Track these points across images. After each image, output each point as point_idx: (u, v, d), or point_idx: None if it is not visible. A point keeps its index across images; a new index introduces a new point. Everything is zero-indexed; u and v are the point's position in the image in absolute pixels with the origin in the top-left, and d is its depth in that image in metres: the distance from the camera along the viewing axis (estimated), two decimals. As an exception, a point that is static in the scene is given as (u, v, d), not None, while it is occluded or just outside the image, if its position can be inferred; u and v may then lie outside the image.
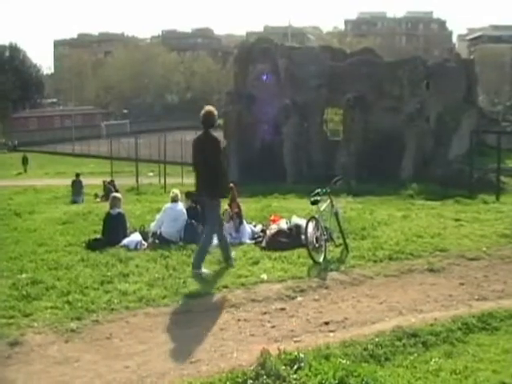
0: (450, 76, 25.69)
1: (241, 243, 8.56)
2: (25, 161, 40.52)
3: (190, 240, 8.29)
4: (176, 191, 8.98)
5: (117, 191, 16.41)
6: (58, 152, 53.69)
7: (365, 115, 24.20)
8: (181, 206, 8.75)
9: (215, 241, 8.49)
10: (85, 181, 22.61)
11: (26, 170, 39.92)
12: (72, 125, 64.52)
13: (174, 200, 8.77)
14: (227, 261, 7.19)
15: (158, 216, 8.94)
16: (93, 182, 25.37)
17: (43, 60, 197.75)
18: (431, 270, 7.05)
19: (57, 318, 5.45)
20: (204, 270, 6.91)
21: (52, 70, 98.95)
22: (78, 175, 21.98)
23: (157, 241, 8.45)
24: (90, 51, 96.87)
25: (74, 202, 19.76)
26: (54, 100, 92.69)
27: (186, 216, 8.65)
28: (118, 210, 8.69)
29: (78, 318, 5.45)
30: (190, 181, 25.50)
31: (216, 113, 7.14)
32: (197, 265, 6.91)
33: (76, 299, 5.88)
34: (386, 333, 5.06)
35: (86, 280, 6.53)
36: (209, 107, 7.14)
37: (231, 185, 9.79)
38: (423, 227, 9.30)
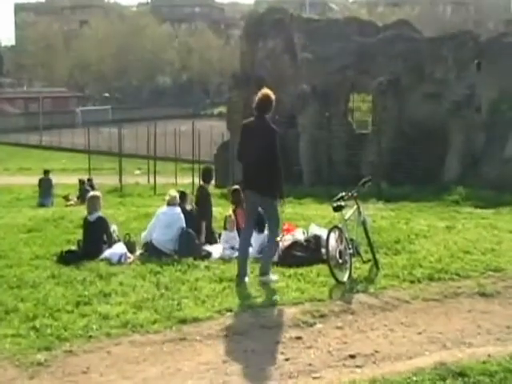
0: (508, 54, 25.53)
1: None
2: None
3: (185, 252, 8.35)
4: (174, 193, 9.08)
5: (95, 192, 16.50)
6: (22, 143, 54.03)
7: (399, 103, 24.14)
8: (178, 211, 8.83)
9: (215, 254, 8.59)
10: (55, 179, 22.70)
11: None
12: (39, 110, 64.81)
13: (171, 203, 8.84)
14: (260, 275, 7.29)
15: (149, 224, 9.02)
16: (65, 181, 25.53)
17: (1, 29, 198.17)
18: (483, 295, 7.04)
19: (19, 348, 5.45)
20: (273, 276, 7.13)
21: (13, 42, 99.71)
22: (46, 172, 22.07)
23: (146, 252, 8.51)
24: (62, 19, 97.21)
25: (41, 204, 19.85)
26: (16, 79, 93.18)
27: (183, 223, 8.72)
28: (97, 215, 8.74)
29: (47, 349, 5.46)
30: (184, 180, 25.84)
31: (274, 98, 7.35)
32: (264, 270, 7.17)
33: (44, 325, 5.90)
34: (425, 370, 5.04)
35: (57, 301, 6.55)
36: (266, 90, 7.38)
37: (236, 187, 9.90)
38: (472, 241, 9.30)
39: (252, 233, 7.67)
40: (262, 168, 7.07)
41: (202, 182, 10.37)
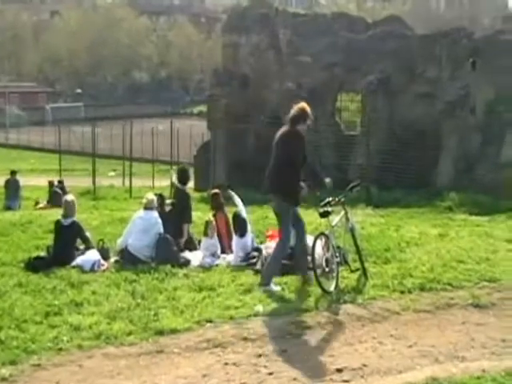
0: (505, 53, 25.76)
1: (229, 265, 8.61)
2: None
3: (162, 259, 8.35)
4: (151, 196, 9.10)
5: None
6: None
7: (390, 103, 24.28)
8: (155, 216, 8.84)
9: (195, 261, 8.60)
10: (23, 180, 22.55)
11: None
12: (6, 106, 64.28)
13: (148, 207, 8.84)
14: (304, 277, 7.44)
15: (125, 229, 9.02)
16: (34, 183, 25.38)
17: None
18: (477, 306, 7.09)
19: (-18, 362, 5.42)
20: (275, 286, 7.17)
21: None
22: (13, 173, 21.93)
23: (121, 259, 8.50)
24: (31, 9, 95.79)
25: (7, 207, 19.74)
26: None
27: (160, 228, 8.73)
28: (71, 219, 8.71)
29: (13, 362, 5.42)
30: (162, 183, 25.78)
31: (309, 111, 7.67)
32: (266, 279, 7.25)
33: (10, 337, 5.87)
34: (417, 386, 5.08)
35: (24, 311, 6.52)
36: (303, 104, 7.71)
37: (216, 191, 9.97)
38: (466, 250, 9.36)
39: (289, 233, 7.69)
40: (280, 172, 7.40)
41: (178, 184, 10.37)
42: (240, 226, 8.88)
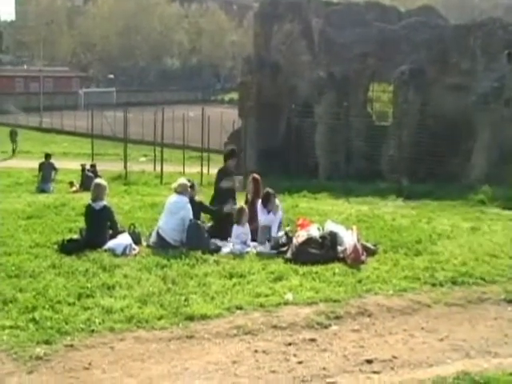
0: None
1: (259, 253, 8.60)
2: (13, 136, 38.89)
3: (193, 245, 8.36)
4: (182, 180, 9.13)
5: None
6: (21, 125, 54.13)
7: (422, 94, 23.99)
8: (184, 200, 8.86)
9: (225, 248, 8.61)
10: (56, 164, 22.76)
11: (14, 150, 38.32)
12: (40, 90, 64.94)
13: (178, 191, 8.88)
14: None
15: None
16: (66, 166, 25.57)
17: (0, 3, 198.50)
18: (510, 301, 7.02)
19: (18, 340, 5.47)
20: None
21: (13, 17, 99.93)
22: (47, 156, 22.03)
23: (151, 243, 8.53)
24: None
25: (41, 190, 19.88)
26: (16, 57, 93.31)
27: (188, 213, 8.74)
28: (102, 203, 8.75)
29: (47, 342, 5.47)
30: (192, 169, 25.86)
31: None
32: None
33: (44, 317, 5.92)
34: (447, 380, 5.02)
35: (57, 292, 6.58)
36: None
37: (255, 175, 9.89)
38: (499, 244, 9.28)
39: None
40: None
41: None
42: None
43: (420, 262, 8.14)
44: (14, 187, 21.24)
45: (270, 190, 9.39)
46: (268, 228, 9.10)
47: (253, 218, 9.24)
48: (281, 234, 9.04)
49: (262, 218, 9.23)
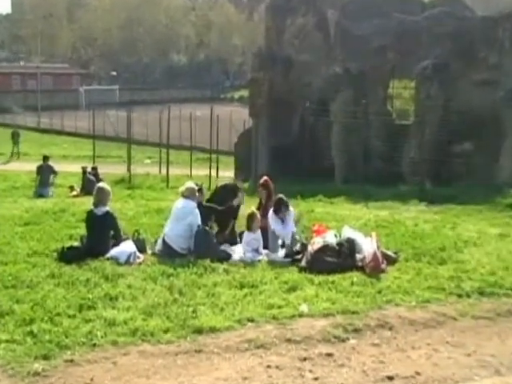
0: None
1: (272, 261, 8.60)
2: (15, 137, 38.75)
3: (201, 252, 8.37)
4: (190, 184, 9.15)
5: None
6: (19, 125, 54.43)
7: (446, 91, 23.94)
8: (191, 205, 8.86)
9: (236, 256, 8.63)
10: (55, 167, 22.85)
11: (18, 153, 38.17)
12: (37, 88, 65.23)
13: (184, 195, 8.89)
14: None
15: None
16: (66, 169, 25.69)
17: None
18: (543, 314, 6.97)
19: (14, 355, 5.47)
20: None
21: (9, 10, 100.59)
22: (46, 158, 22.04)
23: (156, 251, 8.56)
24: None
25: (39, 195, 19.91)
26: (12, 52, 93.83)
27: (196, 219, 8.74)
28: (105, 209, 8.77)
29: (46, 357, 5.47)
30: (200, 172, 25.92)
31: None
32: None
33: (43, 330, 5.92)
34: (474, 398, 5.02)
35: (57, 304, 6.58)
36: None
37: (266, 178, 9.91)
38: (530, 252, 9.21)
39: None
40: None
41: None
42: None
43: (445, 271, 8.11)
44: (10, 191, 21.33)
45: (283, 197, 9.38)
46: (279, 236, 9.13)
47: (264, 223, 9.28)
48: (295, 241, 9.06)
49: (275, 226, 9.21)
